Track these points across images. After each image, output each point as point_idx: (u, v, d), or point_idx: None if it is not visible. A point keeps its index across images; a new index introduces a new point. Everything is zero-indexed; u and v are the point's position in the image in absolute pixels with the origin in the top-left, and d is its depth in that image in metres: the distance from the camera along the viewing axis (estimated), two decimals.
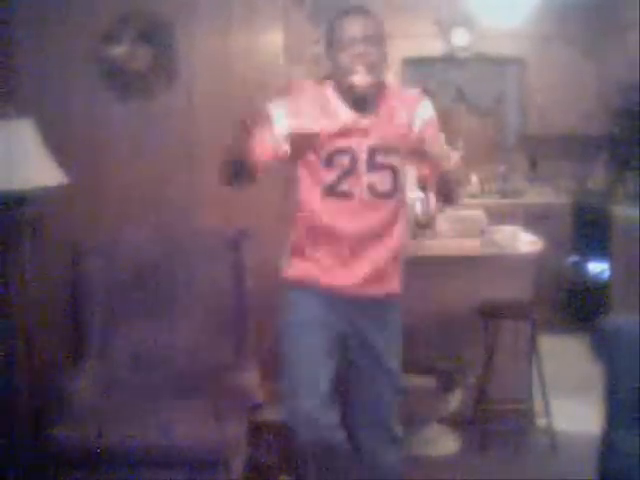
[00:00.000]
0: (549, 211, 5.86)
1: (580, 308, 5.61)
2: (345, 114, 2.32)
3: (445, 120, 6.91)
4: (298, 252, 2.42)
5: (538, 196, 6.11)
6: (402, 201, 2.47)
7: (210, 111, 3.52)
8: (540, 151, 6.29)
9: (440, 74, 6.28)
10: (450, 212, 4.51)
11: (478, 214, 4.25)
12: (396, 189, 2.39)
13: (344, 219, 2.33)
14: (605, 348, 2.68)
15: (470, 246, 3.95)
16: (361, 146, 2.31)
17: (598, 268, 5.53)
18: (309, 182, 2.36)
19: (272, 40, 3.51)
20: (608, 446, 2.56)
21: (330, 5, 4.94)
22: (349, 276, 2.36)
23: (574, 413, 3.88)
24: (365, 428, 2.51)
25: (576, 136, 6.00)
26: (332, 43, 2.30)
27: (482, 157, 6.47)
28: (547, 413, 3.63)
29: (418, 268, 3.77)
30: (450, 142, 6.08)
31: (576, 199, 5.96)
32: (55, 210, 3.37)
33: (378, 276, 2.40)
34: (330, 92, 2.34)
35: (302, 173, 2.38)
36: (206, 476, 2.76)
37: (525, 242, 3.97)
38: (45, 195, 3.03)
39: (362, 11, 2.30)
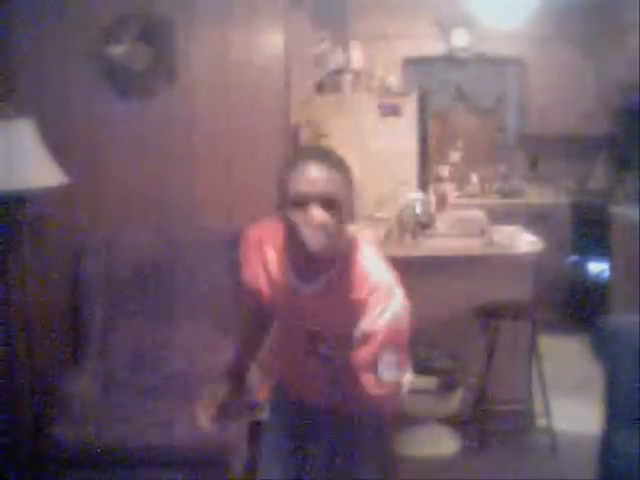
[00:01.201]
0: (549, 211, 5.86)
1: (580, 308, 5.61)
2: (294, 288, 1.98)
3: (445, 120, 6.96)
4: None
5: (538, 196, 6.11)
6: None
7: (210, 111, 3.52)
8: (540, 151, 6.29)
9: (440, 74, 6.28)
10: (450, 212, 4.52)
11: (478, 214, 4.25)
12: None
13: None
14: (605, 348, 2.68)
15: (470, 246, 3.94)
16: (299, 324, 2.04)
17: (598, 268, 5.53)
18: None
19: (272, 40, 3.51)
20: (608, 446, 2.56)
21: (330, 5, 4.96)
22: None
23: (574, 413, 3.88)
24: None
25: (576, 136, 6.00)
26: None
27: (482, 157, 6.47)
28: (547, 413, 3.63)
29: (418, 268, 3.78)
30: (450, 142, 6.10)
31: (576, 199, 5.96)
32: (55, 210, 3.37)
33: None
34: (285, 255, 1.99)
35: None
36: (206, 476, 2.76)
37: (525, 242, 3.97)
38: (45, 195, 3.03)
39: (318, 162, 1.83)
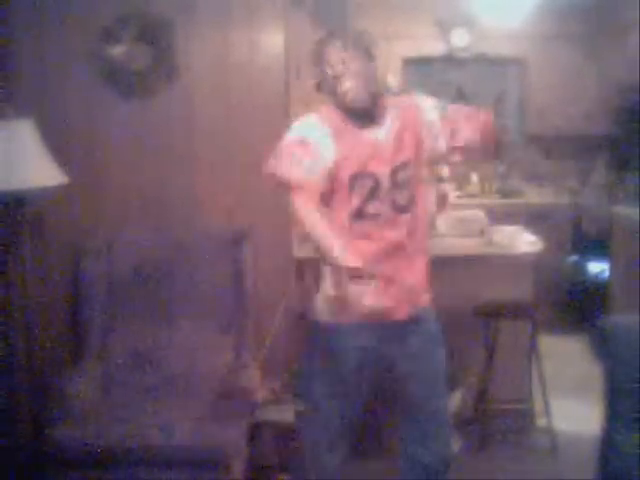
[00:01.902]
0: (549, 211, 5.85)
1: (580, 308, 5.60)
2: (356, 135, 2.32)
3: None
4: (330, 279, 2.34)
5: (538, 196, 6.11)
6: (422, 212, 2.43)
7: (210, 110, 3.52)
8: (540, 151, 6.29)
9: (440, 74, 6.27)
10: (450, 212, 4.51)
11: (478, 214, 4.24)
12: (414, 202, 2.37)
13: (372, 239, 2.30)
14: (605, 348, 2.68)
15: (470, 246, 3.94)
16: (382, 169, 2.30)
17: (598, 268, 5.53)
18: (336, 207, 2.31)
19: (272, 40, 3.51)
20: (608, 446, 2.55)
21: (330, 5, 4.96)
22: (380, 300, 2.32)
23: (574, 413, 3.88)
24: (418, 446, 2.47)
25: (576, 136, 5.99)
26: (322, 67, 2.32)
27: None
28: (547, 413, 3.63)
29: None
30: None
31: (576, 199, 5.96)
32: (55, 210, 3.37)
33: (409, 295, 2.41)
34: (336, 115, 2.34)
35: (329, 198, 2.33)
36: (206, 476, 2.76)
37: (525, 242, 3.97)
38: (45, 195, 3.03)
39: (342, 32, 2.37)
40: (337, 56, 2.27)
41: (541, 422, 3.72)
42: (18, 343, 3.08)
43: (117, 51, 3.45)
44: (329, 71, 2.28)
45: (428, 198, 2.56)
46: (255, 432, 3.09)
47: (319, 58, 2.31)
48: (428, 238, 2.52)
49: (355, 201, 2.28)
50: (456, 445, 3.67)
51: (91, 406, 2.98)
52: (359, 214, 2.29)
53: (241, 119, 3.52)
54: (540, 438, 3.70)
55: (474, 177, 6.30)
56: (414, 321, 2.41)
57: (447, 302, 3.76)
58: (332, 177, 2.26)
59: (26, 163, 2.92)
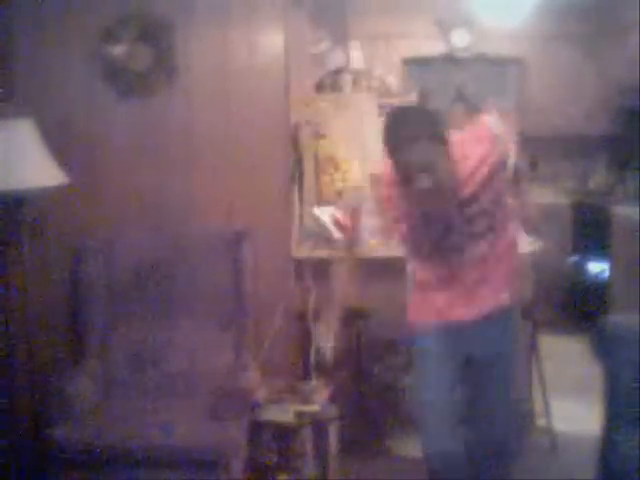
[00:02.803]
0: (549, 211, 5.85)
1: (580, 308, 5.61)
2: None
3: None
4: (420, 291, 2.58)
5: (538, 196, 6.10)
6: (505, 235, 2.51)
7: (209, 111, 3.52)
8: (540, 151, 6.28)
9: (440, 74, 6.27)
10: None
11: None
12: (492, 228, 2.44)
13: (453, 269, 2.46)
14: (605, 348, 2.68)
15: None
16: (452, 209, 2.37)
17: (598, 268, 5.53)
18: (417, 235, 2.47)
19: (272, 40, 3.51)
20: (608, 446, 2.55)
21: (330, 5, 4.96)
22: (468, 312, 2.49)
23: (574, 413, 3.88)
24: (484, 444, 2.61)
25: (576, 136, 5.99)
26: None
27: None
28: (547, 413, 3.63)
29: None
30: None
31: (576, 199, 5.96)
32: (55, 210, 3.37)
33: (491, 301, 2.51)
34: None
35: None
36: (206, 476, 2.76)
37: (525, 242, 3.97)
38: (45, 195, 3.03)
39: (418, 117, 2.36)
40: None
41: (541, 422, 3.71)
42: (18, 343, 3.08)
43: (117, 51, 3.45)
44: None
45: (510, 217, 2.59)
46: (255, 432, 3.09)
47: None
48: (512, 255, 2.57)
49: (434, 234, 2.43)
50: None
51: (91, 406, 2.98)
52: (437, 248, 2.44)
53: (240, 119, 3.52)
54: (540, 438, 3.70)
55: None
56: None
57: None
58: None
59: (26, 163, 2.92)
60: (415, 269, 2.56)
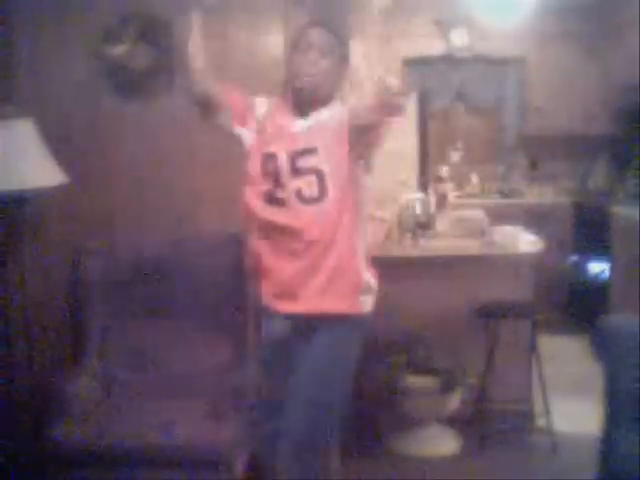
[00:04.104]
0: (549, 211, 5.86)
1: (580, 308, 5.61)
2: (282, 119, 2.37)
3: (445, 120, 6.94)
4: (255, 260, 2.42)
5: (538, 196, 6.11)
6: (344, 205, 2.30)
7: None
8: (540, 151, 6.29)
9: (440, 74, 6.27)
10: (450, 212, 4.51)
11: (478, 214, 4.24)
12: (325, 193, 2.26)
13: (282, 229, 2.28)
14: (605, 348, 2.68)
15: (470, 246, 3.94)
16: (281, 152, 2.29)
17: (598, 268, 5.53)
18: (252, 188, 2.37)
19: (272, 40, 3.51)
20: (608, 446, 2.55)
21: (330, 5, 4.96)
22: (294, 298, 2.30)
23: (574, 413, 3.88)
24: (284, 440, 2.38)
25: (576, 136, 5.99)
26: (292, 47, 2.37)
27: (482, 157, 6.47)
28: (547, 413, 3.63)
29: (418, 268, 3.78)
30: (450, 142, 6.09)
31: (576, 199, 5.96)
32: (55, 210, 3.37)
33: (323, 291, 2.28)
34: (283, 99, 2.42)
35: (248, 179, 2.41)
36: (206, 476, 2.76)
37: (525, 242, 3.97)
38: (45, 195, 3.03)
39: (326, 25, 2.38)
40: (313, 39, 2.32)
41: (541, 422, 3.72)
42: (18, 343, 3.08)
43: (118, 51, 3.45)
44: (294, 59, 2.34)
45: (361, 198, 2.43)
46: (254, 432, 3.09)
47: (297, 40, 2.36)
48: (352, 237, 2.33)
49: (264, 185, 2.32)
50: (456, 445, 3.68)
51: (91, 406, 2.98)
52: (267, 199, 2.32)
53: None
54: (540, 438, 3.70)
55: (474, 177, 6.31)
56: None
57: (447, 302, 3.79)
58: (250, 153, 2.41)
59: (26, 163, 2.92)
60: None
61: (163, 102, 3.50)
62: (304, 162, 2.26)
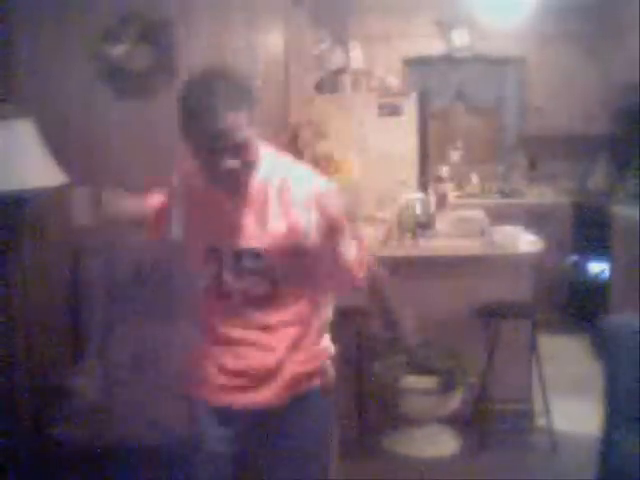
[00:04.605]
0: (549, 211, 5.86)
1: (580, 308, 5.61)
2: (214, 203, 1.98)
3: (445, 120, 6.95)
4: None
5: (538, 196, 6.11)
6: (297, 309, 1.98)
7: None
8: (540, 151, 6.29)
9: (440, 74, 6.28)
10: (450, 212, 4.52)
11: (478, 214, 4.25)
12: (278, 295, 1.95)
13: (226, 325, 2.05)
14: (605, 348, 2.68)
15: (470, 246, 3.95)
16: (226, 248, 1.96)
17: (598, 268, 5.53)
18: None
19: (272, 40, 3.51)
20: (608, 446, 2.56)
21: (330, 5, 4.96)
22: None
23: (574, 413, 3.88)
24: None
25: (576, 136, 6.00)
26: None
27: (482, 157, 6.47)
28: (547, 413, 3.63)
29: (418, 268, 3.78)
30: (450, 142, 6.08)
31: (576, 199, 5.96)
32: (55, 210, 3.36)
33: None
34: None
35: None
36: None
37: (525, 242, 3.97)
38: (45, 195, 3.03)
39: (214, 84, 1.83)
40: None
41: (541, 422, 3.72)
42: (18, 343, 3.07)
43: (117, 51, 3.45)
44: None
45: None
46: None
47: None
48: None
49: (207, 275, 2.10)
50: (456, 445, 3.68)
51: (91, 406, 2.98)
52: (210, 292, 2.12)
53: None
54: (540, 438, 3.70)
55: (474, 177, 6.31)
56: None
57: (447, 302, 3.79)
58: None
59: (26, 163, 2.91)
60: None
61: (163, 102, 3.50)
62: (250, 263, 1.96)
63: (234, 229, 1.92)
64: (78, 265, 3.37)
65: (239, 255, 1.93)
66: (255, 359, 1.96)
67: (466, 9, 5.76)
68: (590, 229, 5.62)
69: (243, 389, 1.97)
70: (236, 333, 2.00)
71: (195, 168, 1.94)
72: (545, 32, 5.84)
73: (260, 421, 1.97)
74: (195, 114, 1.81)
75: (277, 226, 1.88)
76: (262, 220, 1.90)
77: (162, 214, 2.19)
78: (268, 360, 1.95)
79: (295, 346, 1.97)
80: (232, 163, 1.82)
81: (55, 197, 3.09)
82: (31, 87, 3.40)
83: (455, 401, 3.63)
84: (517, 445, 3.69)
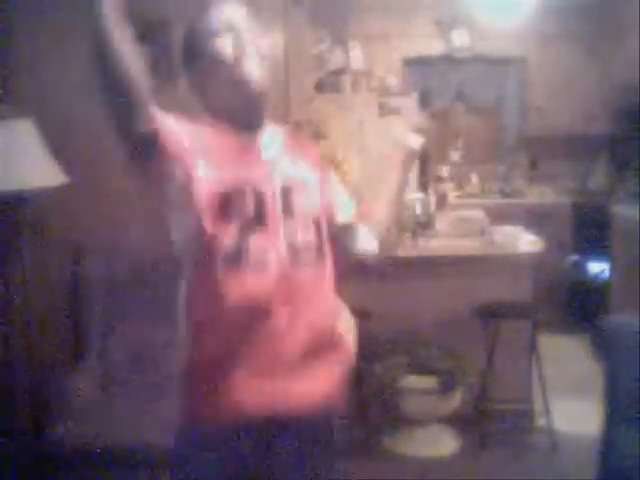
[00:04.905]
0: (549, 211, 5.85)
1: (580, 308, 5.61)
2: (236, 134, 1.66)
3: (445, 120, 6.95)
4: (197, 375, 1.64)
5: (538, 196, 6.11)
6: (325, 257, 1.66)
7: None
8: (540, 151, 6.29)
9: (440, 74, 6.28)
10: (450, 212, 4.51)
11: (478, 214, 4.25)
12: (322, 241, 1.65)
13: (258, 303, 1.53)
14: (605, 348, 2.68)
15: (470, 246, 3.95)
16: (268, 181, 1.60)
17: (598, 268, 5.53)
18: (207, 240, 1.61)
19: (272, 40, 3.51)
20: (608, 446, 2.56)
21: (330, 5, 4.96)
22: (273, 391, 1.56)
23: (574, 413, 3.88)
24: None
25: (576, 136, 5.99)
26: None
27: (482, 157, 6.47)
28: (547, 413, 3.63)
29: (418, 268, 3.78)
30: (450, 142, 6.10)
31: (576, 199, 5.96)
32: (55, 210, 3.37)
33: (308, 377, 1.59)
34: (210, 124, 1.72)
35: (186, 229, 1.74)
36: None
37: (525, 242, 3.97)
38: (45, 195, 3.03)
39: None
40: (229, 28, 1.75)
41: (541, 422, 3.72)
42: (18, 343, 3.08)
43: None
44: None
45: None
46: None
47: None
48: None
49: (225, 238, 1.60)
50: (456, 445, 3.68)
51: (91, 406, 2.98)
52: (233, 261, 1.58)
53: None
54: (540, 438, 3.70)
55: (474, 177, 6.31)
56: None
57: (447, 302, 3.79)
58: None
59: (26, 163, 2.91)
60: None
61: (162, 102, 3.50)
62: (300, 199, 1.66)
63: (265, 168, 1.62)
64: (78, 265, 3.37)
65: (287, 189, 1.61)
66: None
67: (466, 9, 5.76)
68: (590, 229, 5.62)
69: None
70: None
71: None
72: (545, 32, 5.84)
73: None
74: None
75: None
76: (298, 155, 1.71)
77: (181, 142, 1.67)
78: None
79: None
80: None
81: (55, 197, 3.10)
82: (31, 87, 3.40)
83: (455, 401, 3.63)
84: (517, 445, 3.69)
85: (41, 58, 3.43)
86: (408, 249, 3.90)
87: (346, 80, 5.06)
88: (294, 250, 1.57)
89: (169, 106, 3.41)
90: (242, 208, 1.55)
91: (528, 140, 6.28)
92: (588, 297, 5.56)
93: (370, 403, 3.68)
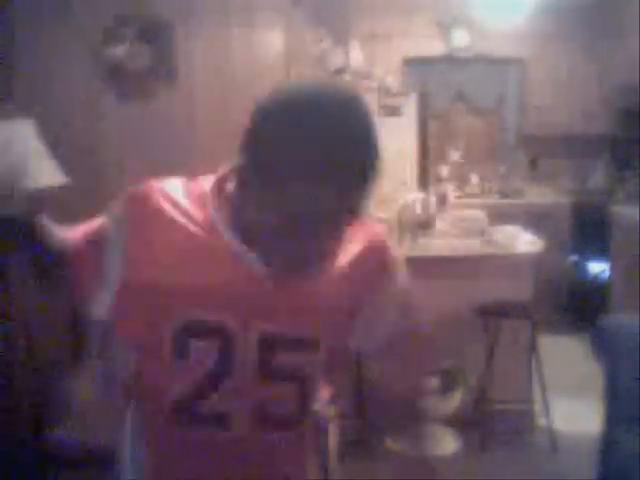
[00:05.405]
0: (549, 211, 5.85)
1: (580, 308, 5.61)
2: (240, 263, 1.21)
3: (445, 120, 6.95)
4: None
5: (538, 196, 6.11)
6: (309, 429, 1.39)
7: (209, 111, 3.52)
8: (540, 151, 6.29)
9: (440, 74, 6.28)
10: (450, 212, 4.51)
11: (478, 214, 4.24)
12: (304, 413, 1.32)
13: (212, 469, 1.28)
14: (605, 348, 2.68)
15: (470, 246, 3.95)
16: (248, 328, 1.21)
17: (598, 268, 5.53)
18: (149, 385, 1.34)
19: (272, 40, 3.51)
20: (608, 446, 2.55)
21: (330, 5, 4.96)
22: None
23: (574, 413, 3.88)
24: None
25: (576, 136, 6.00)
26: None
27: (482, 157, 6.47)
28: (547, 413, 3.63)
29: (418, 268, 3.77)
30: (450, 142, 6.11)
31: (576, 199, 5.96)
32: (55, 210, 3.37)
33: None
34: (214, 212, 1.23)
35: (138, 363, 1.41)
36: None
37: (525, 242, 3.97)
38: (45, 195, 3.03)
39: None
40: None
41: (541, 422, 3.72)
42: (18, 343, 3.07)
43: (117, 51, 3.45)
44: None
45: None
46: None
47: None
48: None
49: (182, 384, 1.31)
50: (456, 445, 3.68)
51: (91, 406, 2.98)
52: (187, 414, 1.32)
53: (241, 119, 3.51)
54: (540, 438, 3.70)
55: (474, 177, 6.31)
56: None
57: (447, 302, 3.78)
58: None
59: (26, 163, 2.91)
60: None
61: (162, 102, 3.50)
62: (286, 358, 1.24)
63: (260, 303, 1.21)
64: None
65: (270, 342, 1.22)
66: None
67: (466, 9, 5.77)
68: (590, 229, 5.62)
69: None
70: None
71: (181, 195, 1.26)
72: (545, 32, 5.84)
73: None
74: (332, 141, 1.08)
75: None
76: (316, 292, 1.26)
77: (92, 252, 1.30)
78: None
79: None
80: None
81: (55, 197, 3.10)
82: (31, 87, 3.41)
83: (455, 401, 3.63)
84: (517, 445, 3.69)
85: (41, 58, 3.44)
86: (408, 249, 3.90)
87: (346, 80, 5.06)
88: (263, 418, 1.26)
89: (168, 106, 3.42)
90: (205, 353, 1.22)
91: (528, 140, 6.28)
92: (588, 297, 5.56)
93: (370, 403, 3.68)
